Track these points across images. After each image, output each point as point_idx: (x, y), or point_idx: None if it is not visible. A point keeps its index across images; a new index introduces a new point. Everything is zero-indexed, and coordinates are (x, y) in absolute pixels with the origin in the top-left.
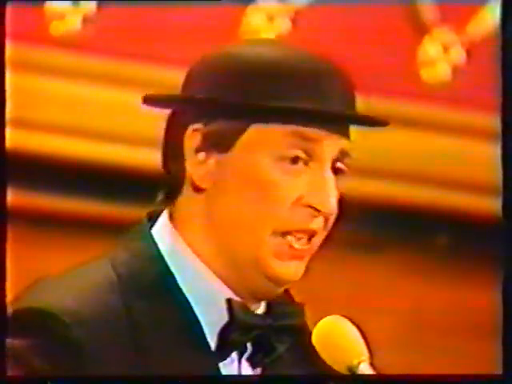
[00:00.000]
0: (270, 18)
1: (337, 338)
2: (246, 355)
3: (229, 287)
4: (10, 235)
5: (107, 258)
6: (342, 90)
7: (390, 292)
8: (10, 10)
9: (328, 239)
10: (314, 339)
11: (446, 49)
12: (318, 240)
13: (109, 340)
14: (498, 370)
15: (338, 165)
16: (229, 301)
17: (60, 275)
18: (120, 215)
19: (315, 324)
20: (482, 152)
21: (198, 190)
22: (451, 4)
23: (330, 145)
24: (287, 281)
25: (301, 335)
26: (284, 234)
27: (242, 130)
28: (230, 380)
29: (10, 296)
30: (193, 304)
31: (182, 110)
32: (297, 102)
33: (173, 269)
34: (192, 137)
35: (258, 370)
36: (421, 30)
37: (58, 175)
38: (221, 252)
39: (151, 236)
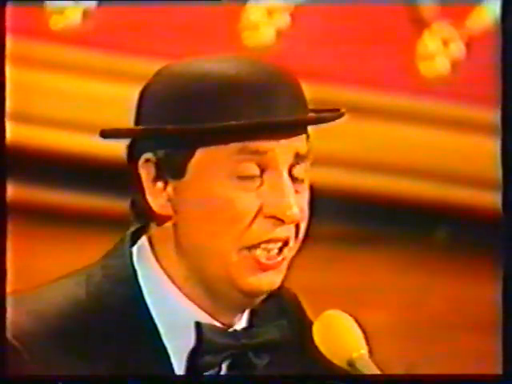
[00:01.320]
0: (270, 14)
1: (336, 331)
2: (222, 371)
3: (202, 309)
4: (9, 229)
5: (85, 273)
6: (289, 97)
7: (389, 287)
8: (10, 5)
9: (328, 235)
10: (314, 333)
11: (445, 43)
12: (291, 248)
13: (62, 365)
14: (497, 364)
15: (299, 169)
16: (198, 324)
17: (25, 294)
18: (120, 210)
19: (315, 318)
20: (480, 146)
21: (162, 217)
22: None
23: (282, 152)
24: (263, 292)
25: (283, 349)
26: (251, 248)
27: (190, 155)
28: (229, 380)
29: (10, 291)
30: (161, 330)
31: (133, 141)
32: (242, 116)
33: (145, 292)
34: (145, 167)
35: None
36: (420, 25)
37: (59, 170)
38: (193, 275)
39: (130, 255)
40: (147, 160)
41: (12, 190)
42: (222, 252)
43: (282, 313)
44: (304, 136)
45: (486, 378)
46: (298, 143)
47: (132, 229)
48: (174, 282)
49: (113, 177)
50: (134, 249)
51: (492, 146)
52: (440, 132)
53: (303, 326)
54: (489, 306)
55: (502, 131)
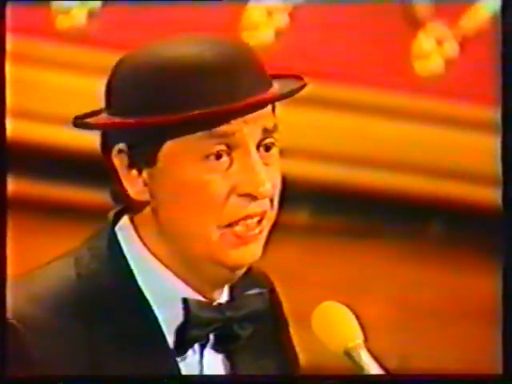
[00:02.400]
0: (269, 14)
1: (334, 322)
2: (208, 345)
3: (188, 285)
4: (10, 223)
5: (72, 255)
6: (250, 74)
7: (387, 279)
8: (11, 4)
9: (326, 227)
10: (313, 322)
11: (439, 43)
12: (268, 220)
13: (63, 344)
14: (495, 355)
15: (267, 141)
16: (185, 300)
17: (27, 275)
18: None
19: (314, 309)
20: (473, 142)
21: (140, 203)
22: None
23: (249, 131)
24: (246, 264)
25: (265, 318)
26: (229, 225)
27: (159, 145)
28: (229, 380)
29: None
30: (152, 303)
31: (104, 133)
32: (206, 102)
33: (133, 269)
34: (119, 157)
35: (220, 357)
36: (415, 25)
37: (59, 164)
38: (175, 253)
39: (115, 234)
40: (120, 150)
41: (12, 184)
42: (201, 233)
43: (258, 285)
44: (269, 111)
45: (486, 377)
46: (264, 119)
47: (114, 210)
48: (159, 259)
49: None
50: (117, 229)
51: (484, 142)
52: (434, 128)
53: (276, 301)
54: (486, 298)
55: (503, 128)
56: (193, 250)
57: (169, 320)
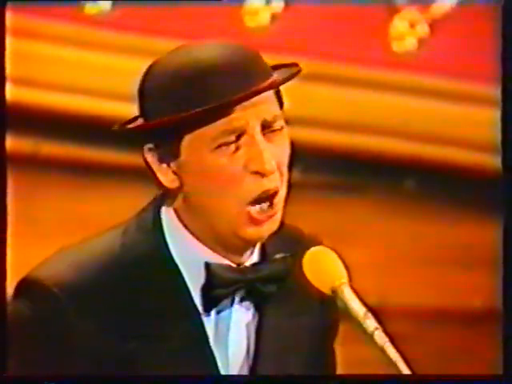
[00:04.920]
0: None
1: (322, 264)
2: (235, 303)
3: (214, 252)
4: (10, 178)
5: (123, 226)
6: (256, 68)
7: (367, 227)
8: (10, 5)
9: (315, 184)
10: (304, 265)
11: (412, 25)
12: (282, 193)
13: (98, 310)
14: (460, 288)
15: (272, 127)
16: (207, 263)
17: (76, 245)
18: (111, 161)
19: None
20: (440, 108)
21: (173, 190)
22: None
23: (253, 118)
24: (263, 239)
25: (288, 279)
26: (248, 204)
27: (179, 141)
28: (230, 379)
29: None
30: (182, 269)
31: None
32: (219, 96)
33: (168, 240)
34: (149, 154)
35: (250, 313)
36: (392, 11)
37: (56, 125)
38: (204, 227)
39: (159, 211)
40: (150, 149)
41: (12, 142)
42: (224, 210)
43: (288, 247)
44: (273, 99)
45: (486, 378)
46: (266, 109)
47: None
48: (192, 233)
49: (104, 132)
50: (163, 207)
51: (448, 108)
52: (407, 97)
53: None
54: (455, 244)
55: (502, 103)
56: (217, 225)
57: (195, 281)
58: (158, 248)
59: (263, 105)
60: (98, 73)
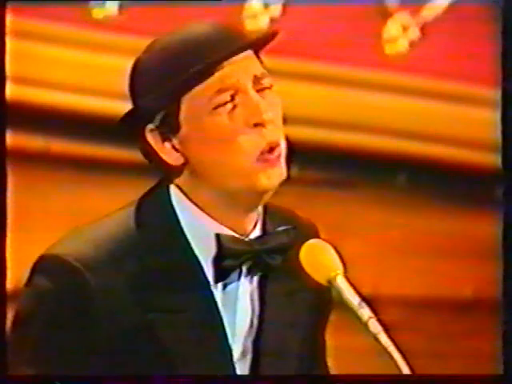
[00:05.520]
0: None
1: (318, 256)
2: (243, 275)
3: (222, 224)
4: (10, 172)
5: (133, 205)
6: (238, 33)
7: (361, 220)
8: (10, 5)
9: (312, 179)
10: (301, 257)
11: (404, 29)
12: (283, 143)
13: (118, 283)
14: (447, 278)
15: (262, 84)
16: (217, 235)
17: (90, 224)
18: (108, 155)
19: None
20: (431, 107)
21: (178, 167)
22: None
23: (243, 77)
24: (272, 187)
25: (291, 251)
26: (257, 159)
27: (177, 110)
28: (230, 379)
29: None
30: (192, 243)
31: (131, 114)
32: (213, 55)
33: (179, 215)
34: (151, 135)
35: (255, 285)
36: (385, 15)
37: (54, 121)
38: (213, 199)
39: (168, 188)
40: (151, 130)
41: (12, 138)
42: (234, 168)
43: (285, 223)
44: (255, 59)
45: (486, 378)
46: (252, 66)
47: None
48: (200, 208)
49: (100, 127)
50: (171, 185)
51: (437, 107)
52: (398, 96)
53: (301, 236)
54: (440, 235)
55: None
56: (230, 186)
57: (205, 254)
58: (170, 223)
59: (249, 62)
60: (99, 72)
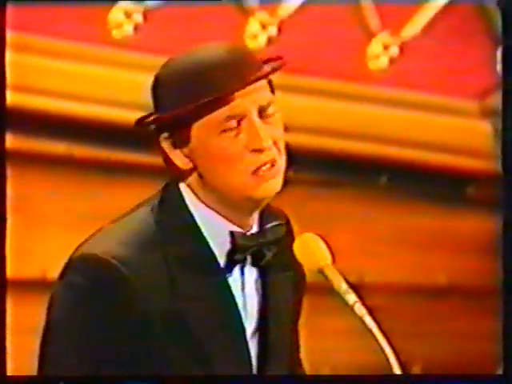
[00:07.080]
0: (264, 27)
1: (309, 247)
2: (247, 264)
3: (229, 221)
4: (9, 175)
5: (149, 205)
6: (251, 62)
7: (347, 216)
8: (10, 5)
9: (305, 180)
10: (295, 249)
11: (385, 47)
12: (281, 162)
13: (150, 276)
14: (434, 276)
15: (264, 112)
16: (231, 232)
17: (113, 224)
18: (107, 158)
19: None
20: (408, 116)
21: (187, 171)
22: (390, 10)
23: (250, 104)
24: (268, 197)
25: (284, 242)
26: (253, 172)
27: (189, 130)
28: (231, 379)
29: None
30: (208, 239)
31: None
32: (226, 85)
33: (193, 213)
34: (165, 142)
35: (256, 272)
36: (369, 35)
37: (54, 125)
38: (219, 200)
39: (179, 189)
40: (165, 138)
41: (12, 142)
42: (236, 180)
43: (277, 219)
44: (265, 87)
45: (486, 378)
46: (262, 95)
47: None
48: (208, 207)
49: (98, 132)
50: (182, 187)
51: (414, 116)
52: (380, 107)
53: (290, 229)
54: (424, 228)
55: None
56: (231, 194)
57: (220, 248)
58: (186, 220)
59: (258, 92)
60: (104, 84)
